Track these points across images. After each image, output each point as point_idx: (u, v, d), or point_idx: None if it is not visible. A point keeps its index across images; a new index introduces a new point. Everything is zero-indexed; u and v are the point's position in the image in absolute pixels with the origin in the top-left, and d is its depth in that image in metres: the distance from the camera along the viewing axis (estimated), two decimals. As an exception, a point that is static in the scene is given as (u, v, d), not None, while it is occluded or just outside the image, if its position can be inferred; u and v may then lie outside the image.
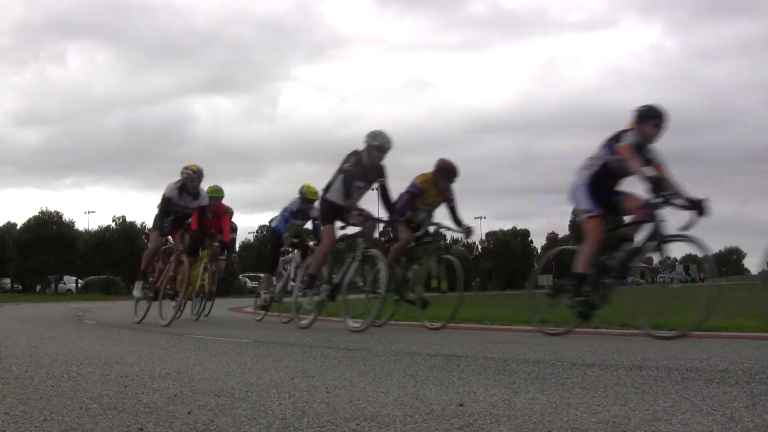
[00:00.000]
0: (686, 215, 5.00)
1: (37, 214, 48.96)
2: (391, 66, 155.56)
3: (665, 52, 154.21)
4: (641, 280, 65.28)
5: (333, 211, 6.56)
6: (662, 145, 5.24)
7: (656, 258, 5.49)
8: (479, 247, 75.44)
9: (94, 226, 58.57)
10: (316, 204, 7.90)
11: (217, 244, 8.83)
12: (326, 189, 6.68)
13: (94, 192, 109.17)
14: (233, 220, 10.07)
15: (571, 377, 2.97)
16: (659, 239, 5.10)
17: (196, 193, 8.12)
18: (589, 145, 5.64)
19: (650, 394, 2.49)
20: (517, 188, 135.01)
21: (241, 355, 4.14)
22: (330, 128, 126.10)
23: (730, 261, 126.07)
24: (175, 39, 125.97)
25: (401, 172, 7.27)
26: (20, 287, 49.61)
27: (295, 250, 8.83)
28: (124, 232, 53.33)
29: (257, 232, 72.93)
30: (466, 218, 7.09)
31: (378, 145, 6.42)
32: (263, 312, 9.49)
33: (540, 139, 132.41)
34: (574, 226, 65.85)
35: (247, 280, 48.06)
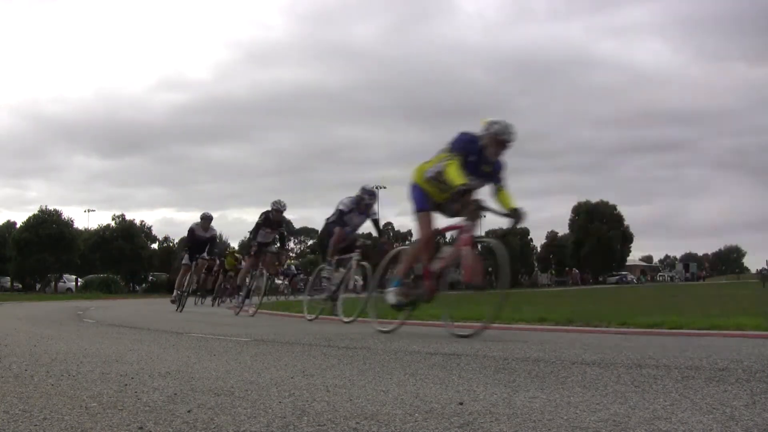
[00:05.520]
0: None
1: (36, 212, 48.96)
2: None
3: None
4: (642, 279, 65.31)
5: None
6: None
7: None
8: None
9: (93, 225, 58.56)
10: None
11: None
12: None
13: None
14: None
15: (570, 376, 2.97)
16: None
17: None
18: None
19: (650, 393, 2.49)
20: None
21: (241, 354, 4.14)
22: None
23: (729, 260, 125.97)
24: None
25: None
26: (20, 286, 49.63)
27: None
28: (124, 230, 53.33)
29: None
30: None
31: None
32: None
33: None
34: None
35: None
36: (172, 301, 15.72)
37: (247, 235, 12.84)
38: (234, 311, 11.26)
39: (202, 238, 12.40)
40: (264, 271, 10.75)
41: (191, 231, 12.49)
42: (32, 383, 2.92)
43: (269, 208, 10.56)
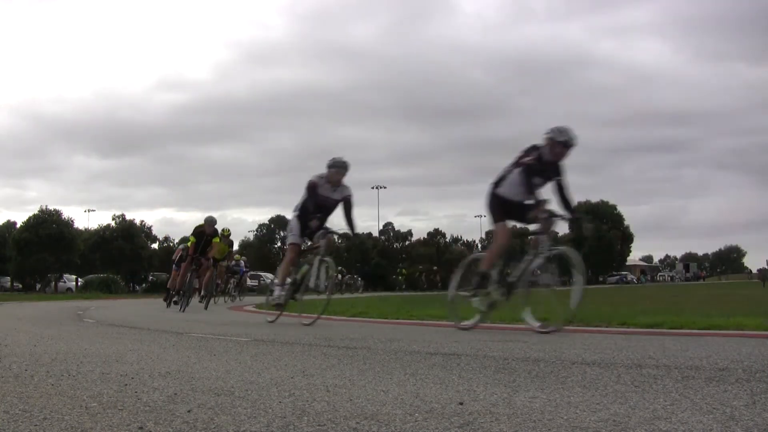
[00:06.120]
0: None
1: (36, 212, 48.94)
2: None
3: None
4: (642, 279, 65.32)
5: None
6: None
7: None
8: (479, 245, 75.71)
9: (93, 225, 58.58)
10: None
11: None
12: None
13: None
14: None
15: (571, 376, 2.97)
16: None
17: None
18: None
19: (650, 393, 2.49)
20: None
21: (241, 354, 4.14)
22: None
23: (729, 260, 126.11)
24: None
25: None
26: (20, 286, 49.61)
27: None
28: (124, 230, 53.31)
29: (257, 230, 73.09)
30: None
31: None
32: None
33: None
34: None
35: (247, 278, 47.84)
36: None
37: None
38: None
39: (329, 200, 7.40)
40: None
41: (312, 187, 7.29)
42: (32, 383, 2.92)
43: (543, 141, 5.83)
